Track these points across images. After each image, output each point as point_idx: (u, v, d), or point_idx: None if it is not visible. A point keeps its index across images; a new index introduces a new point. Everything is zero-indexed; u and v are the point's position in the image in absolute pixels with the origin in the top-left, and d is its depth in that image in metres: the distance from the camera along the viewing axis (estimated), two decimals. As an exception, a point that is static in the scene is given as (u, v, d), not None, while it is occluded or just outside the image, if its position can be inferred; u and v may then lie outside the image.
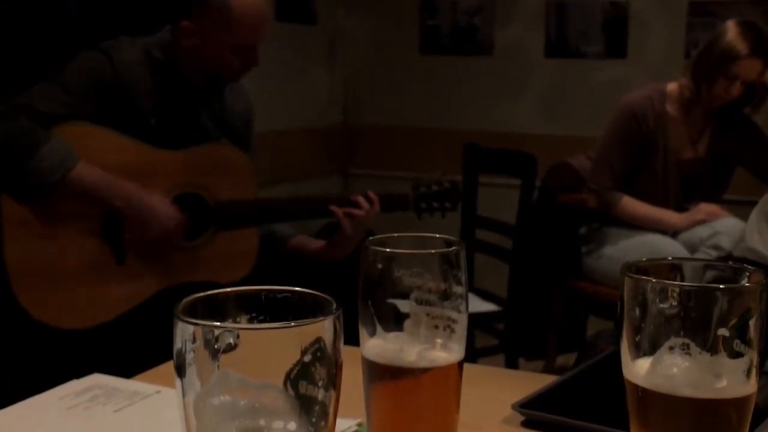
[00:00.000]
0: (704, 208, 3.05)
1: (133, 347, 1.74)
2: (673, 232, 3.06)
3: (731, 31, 2.96)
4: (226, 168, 2.28)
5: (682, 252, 2.93)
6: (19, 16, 2.86)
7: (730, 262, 0.70)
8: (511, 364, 3.24)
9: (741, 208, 2.98)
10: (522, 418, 0.92)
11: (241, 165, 2.31)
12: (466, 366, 0.76)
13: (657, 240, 3.01)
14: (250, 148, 2.40)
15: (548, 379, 1.03)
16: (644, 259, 0.69)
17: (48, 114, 2.08)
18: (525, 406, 0.93)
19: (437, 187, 2.44)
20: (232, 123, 2.35)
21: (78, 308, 2.13)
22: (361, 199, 2.32)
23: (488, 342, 3.38)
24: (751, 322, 0.62)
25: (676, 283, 0.65)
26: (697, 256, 2.90)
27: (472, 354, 3.29)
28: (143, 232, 2.13)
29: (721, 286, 0.63)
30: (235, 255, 2.29)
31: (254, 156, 2.40)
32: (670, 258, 0.71)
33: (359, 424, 0.84)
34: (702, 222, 3.02)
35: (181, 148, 2.22)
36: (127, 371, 1.02)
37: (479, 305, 3.25)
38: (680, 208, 3.11)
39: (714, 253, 2.84)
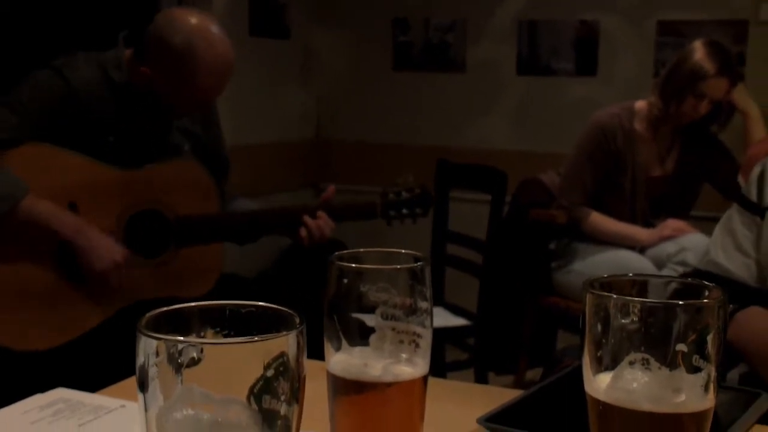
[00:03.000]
0: (671, 225, 3.09)
1: (97, 363, 1.72)
2: (641, 248, 3.09)
3: (699, 50, 3.00)
4: (186, 184, 2.26)
5: (650, 267, 2.96)
6: (43, 12, 2.81)
7: (690, 279, 0.71)
8: (481, 378, 3.25)
9: (707, 224, 3.00)
10: (487, 432, 0.93)
11: (201, 180, 2.28)
12: (433, 380, 0.77)
13: (625, 256, 3.04)
14: (220, 144, 2.37)
15: (514, 394, 1.03)
16: (606, 276, 0.69)
17: None
18: (490, 420, 0.93)
19: (408, 193, 2.39)
20: (191, 129, 2.33)
21: (39, 330, 2.10)
22: (310, 222, 2.28)
23: (458, 356, 3.39)
24: (709, 338, 0.64)
25: (636, 299, 0.66)
26: (664, 271, 2.93)
27: (442, 368, 3.29)
28: (90, 266, 2.10)
29: (680, 303, 0.64)
30: (198, 271, 2.27)
31: (225, 151, 2.38)
32: (631, 274, 0.72)
33: (325, 439, 0.84)
34: (669, 238, 3.05)
35: (141, 164, 2.20)
36: (91, 387, 1.01)
37: (450, 320, 3.25)
38: (648, 224, 3.14)
39: (681, 269, 2.87)
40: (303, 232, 2.27)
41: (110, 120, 2.16)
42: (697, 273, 1.50)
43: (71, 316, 2.13)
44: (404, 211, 2.39)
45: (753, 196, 1.45)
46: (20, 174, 2.04)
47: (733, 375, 1.39)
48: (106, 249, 2.10)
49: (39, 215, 2.04)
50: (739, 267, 1.42)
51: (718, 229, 1.50)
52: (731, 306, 1.37)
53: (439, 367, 3.26)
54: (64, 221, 2.07)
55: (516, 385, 3.25)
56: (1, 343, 2.04)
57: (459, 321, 3.25)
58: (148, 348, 0.51)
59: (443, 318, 3.24)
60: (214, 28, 2.15)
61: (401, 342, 0.72)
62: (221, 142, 2.43)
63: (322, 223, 2.28)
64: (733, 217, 1.47)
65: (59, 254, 2.11)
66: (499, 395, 1.03)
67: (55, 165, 2.12)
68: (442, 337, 3.20)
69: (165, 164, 2.24)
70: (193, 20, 2.14)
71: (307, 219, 2.27)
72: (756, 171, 1.46)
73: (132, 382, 0.53)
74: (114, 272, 2.11)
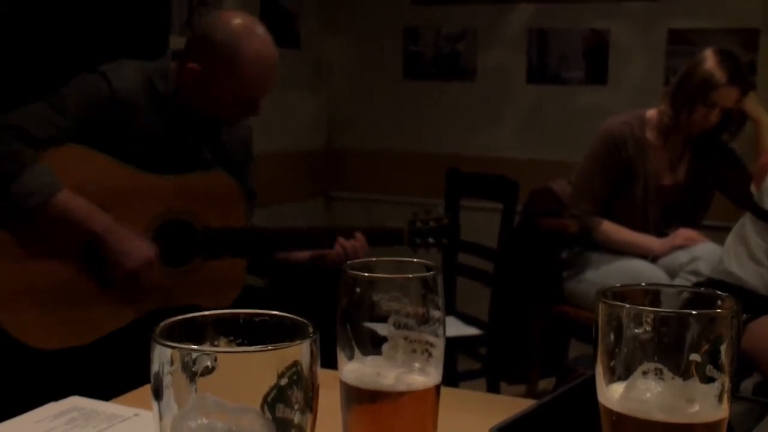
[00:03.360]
0: (683, 234, 3.07)
1: (113, 370, 1.73)
2: (653, 258, 3.08)
3: (710, 59, 3.00)
4: (216, 196, 2.28)
5: (662, 277, 2.95)
6: (18, 31, 2.84)
7: (703, 288, 0.71)
8: (493, 388, 3.24)
9: (719, 233, 2.99)
10: (500, 442, 0.92)
11: (231, 193, 2.30)
12: (446, 390, 0.77)
13: (637, 265, 3.03)
14: (246, 180, 2.40)
15: (527, 404, 1.03)
16: (618, 285, 0.69)
17: (39, 138, 2.06)
18: (503, 429, 0.93)
19: (435, 223, 2.41)
20: (230, 155, 2.35)
21: (59, 329, 2.11)
22: (346, 244, 2.30)
23: (471, 366, 3.38)
24: (723, 348, 0.63)
25: (649, 308, 0.66)
26: (676, 281, 2.92)
27: (454, 378, 3.29)
28: (120, 265, 2.11)
29: (693, 312, 0.64)
30: (221, 282, 2.28)
31: (251, 181, 2.41)
32: (644, 284, 0.71)
33: (337, 448, 0.84)
34: (681, 247, 3.04)
35: (175, 173, 2.22)
36: (106, 393, 1.01)
37: (461, 329, 3.25)
38: (660, 234, 3.13)
39: (693, 279, 2.86)
40: (339, 249, 2.28)
41: (149, 130, 2.18)
42: (711, 282, 1.50)
43: (92, 318, 2.14)
44: (430, 240, 2.41)
45: (765, 204, 1.44)
46: (55, 173, 2.07)
47: (747, 385, 1.39)
48: (137, 247, 2.11)
49: (71, 211, 2.06)
50: (753, 276, 1.42)
51: (731, 238, 1.49)
52: (744, 315, 1.36)
53: (451, 377, 3.26)
54: (97, 219, 2.09)
55: (528, 394, 3.24)
56: (22, 340, 2.06)
57: (471, 330, 3.24)
58: (162, 356, 0.51)
59: (455, 327, 3.23)
60: (259, 28, 2.22)
61: (414, 351, 0.72)
62: (249, 172, 2.45)
63: (358, 245, 2.30)
64: (746, 225, 1.47)
65: (86, 254, 2.12)
66: (511, 405, 1.03)
67: (91, 167, 2.14)
68: (454, 346, 3.19)
69: (197, 175, 2.26)
70: (238, 19, 2.20)
71: (342, 240, 2.29)
72: (768, 180, 1.46)
73: (146, 390, 0.53)
74: (145, 270, 2.12)
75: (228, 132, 2.35)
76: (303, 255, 2.43)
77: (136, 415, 0.94)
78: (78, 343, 2.12)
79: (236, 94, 2.19)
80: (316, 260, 2.39)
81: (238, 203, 2.31)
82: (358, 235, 2.32)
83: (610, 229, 3.09)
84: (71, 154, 2.11)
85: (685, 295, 0.71)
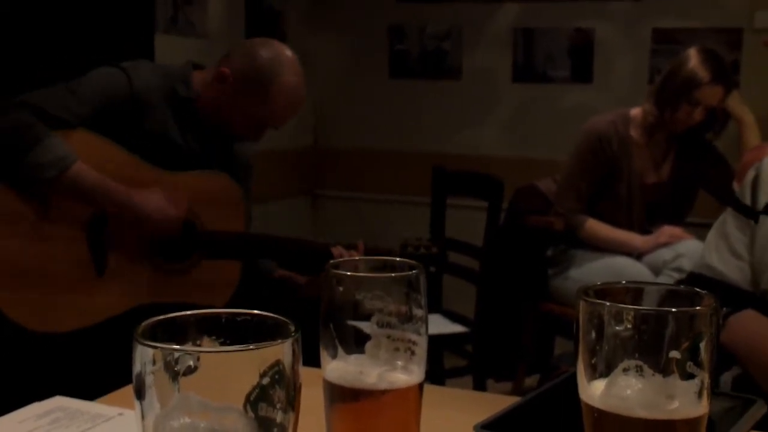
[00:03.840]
0: (667, 231, 3.09)
1: (99, 364, 1.73)
2: (637, 255, 3.09)
3: (693, 58, 3.01)
4: (219, 198, 2.31)
5: (646, 274, 2.96)
6: (43, 18, 2.85)
7: (683, 286, 0.72)
8: (480, 385, 3.25)
9: (703, 230, 3.00)
10: (483, 439, 0.93)
11: (233, 197, 2.33)
12: (431, 387, 0.77)
13: (621, 262, 3.04)
14: (249, 190, 2.43)
15: (512, 401, 1.04)
16: (600, 283, 0.70)
17: (54, 117, 2.07)
18: (487, 427, 0.93)
19: (425, 250, 2.45)
20: (236, 168, 2.38)
21: (53, 312, 2.12)
22: (344, 253, 2.31)
23: (457, 363, 3.39)
24: (702, 345, 0.64)
25: (630, 306, 0.66)
26: (661, 278, 2.93)
27: (441, 375, 3.29)
28: (142, 229, 2.13)
29: (673, 310, 0.65)
30: (215, 283, 2.29)
31: (249, 198, 2.43)
32: (625, 282, 0.72)
33: (322, 446, 0.84)
34: (665, 244, 3.05)
35: (183, 171, 2.24)
36: (89, 394, 1.01)
37: (448, 326, 3.25)
38: (644, 231, 3.15)
39: (677, 275, 2.87)
40: (335, 251, 2.30)
41: (162, 129, 2.20)
42: (692, 276, 1.50)
43: (88, 305, 2.15)
44: None
45: (747, 199, 1.45)
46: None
47: (727, 378, 1.40)
48: (163, 200, 2.14)
49: (85, 183, 2.08)
50: (733, 270, 1.43)
51: (712, 233, 1.50)
52: (725, 309, 1.37)
53: (437, 374, 3.26)
54: (114, 187, 2.11)
55: (514, 391, 3.25)
56: (16, 321, 2.05)
57: (457, 328, 3.25)
58: (144, 356, 0.51)
59: (441, 325, 3.24)
60: (299, 66, 2.30)
61: (397, 350, 0.73)
62: (250, 192, 2.47)
63: (357, 256, 2.30)
64: (728, 220, 1.48)
65: (88, 240, 2.13)
66: (496, 402, 1.03)
67: (100, 154, 2.14)
68: (440, 344, 3.20)
69: (202, 173, 2.28)
70: (287, 51, 2.29)
71: (342, 250, 2.31)
72: (750, 175, 1.47)
73: (130, 390, 0.53)
74: (173, 221, 2.16)
75: (239, 146, 2.39)
76: (300, 280, 2.48)
77: (120, 414, 0.94)
78: (69, 328, 2.12)
79: (253, 117, 2.25)
80: (312, 286, 2.42)
81: (239, 207, 2.34)
82: (360, 244, 2.34)
83: (595, 226, 3.11)
84: (82, 139, 2.12)
85: (666, 292, 0.71)
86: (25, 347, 2.10)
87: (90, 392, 1.02)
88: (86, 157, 2.11)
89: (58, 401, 0.98)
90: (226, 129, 2.29)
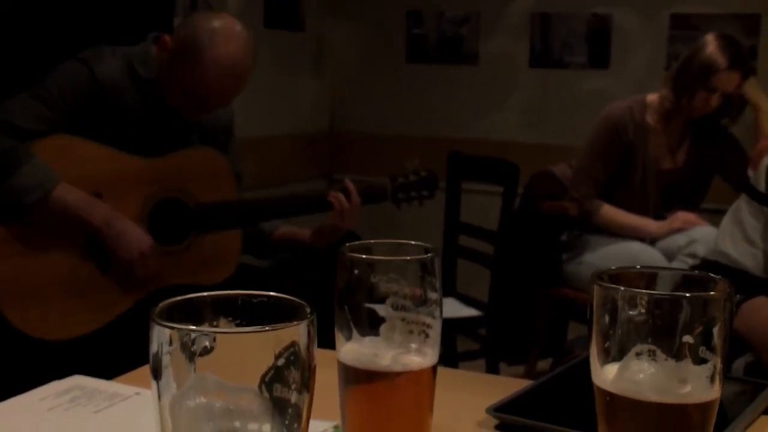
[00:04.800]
0: (681, 217, 3.07)
1: (113, 352, 1.74)
2: (652, 240, 3.08)
3: (711, 44, 2.99)
4: (205, 172, 2.27)
5: (660, 259, 2.95)
6: (19, 17, 2.83)
7: (697, 272, 0.71)
8: (492, 368, 3.25)
9: (718, 216, 2.99)
10: (496, 421, 0.93)
11: (219, 167, 2.30)
12: (444, 370, 0.77)
13: (635, 247, 3.03)
14: (232, 159, 2.39)
15: (525, 384, 1.04)
16: (614, 268, 0.69)
17: (27, 130, 2.04)
18: (499, 409, 0.93)
19: (414, 176, 2.44)
20: (213, 133, 2.34)
21: (66, 319, 2.11)
22: (341, 196, 2.32)
23: (470, 346, 3.39)
24: (715, 330, 0.63)
25: (643, 291, 0.66)
26: (674, 263, 2.92)
27: (454, 358, 3.30)
28: (117, 255, 2.12)
29: (687, 295, 0.64)
30: (217, 257, 2.29)
31: (235, 164, 2.40)
32: (639, 267, 0.72)
33: (335, 427, 0.85)
34: (679, 230, 3.04)
35: (162, 154, 2.21)
36: (107, 374, 1.02)
37: (461, 310, 3.26)
38: (659, 217, 3.13)
39: (690, 261, 2.86)
40: (336, 204, 2.30)
41: (133, 113, 2.17)
42: (705, 263, 1.50)
43: (98, 305, 2.14)
44: (412, 193, 2.45)
45: (761, 186, 1.44)
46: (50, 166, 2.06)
47: (739, 364, 1.39)
48: (134, 238, 2.11)
49: (69, 205, 2.06)
50: (747, 257, 1.42)
51: (726, 220, 1.49)
52: (738, 296, 1.36)
53: (451, 357, 3.27)
54: (94, 211, 2.09)
55: (527, 375, 3.25)
56: (25, 332, 2.06)
57: (471, 311, 3.25)
58: (161, 337, 0.51)
59: (455, 308, 3.24)
60: (236, 37, 2.14)
61: (411, 332, 0.73)
62: (236, 157, 2.43)
63: (353, 199, 2.31)
64: (742, 207, 1.46)
65: (88, 243, 2.12)
66: (508, 385, 1.03)
67: (80, 156, 2.13)
68: (454, 327, 3.20)
69: (185, 153, 2.25)
70: (220, 21, 2.15)
71: (339, 196, 2.31)
72: (765, 162, 1.46)
73: (147, 370, 0.53)
74: (139, 262, 2.12)
75: (214, 116, 2.32)
76: (303, 234, 2.43)
77: (137, 393, 0.95)
78: (82, 332, 2.12)
79: (189, 88, 2.14)
80: (317, 236, 2.39)
81: (228, 177, 2.31)
82: (351, 186, 2.32)
83: (610, 212, 3.09)
84: (59, 145, 2.09)
85: (680, 277, 0.71)
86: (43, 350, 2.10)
87: (106, 373, 1.03)
88: (69, 162, 2.09)
89: (77, 380, 0.99)
90: (169, 102, 2.20)
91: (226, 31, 2.12)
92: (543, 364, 3.39)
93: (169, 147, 2.23)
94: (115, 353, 1.57)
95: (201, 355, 0.50)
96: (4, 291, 2.05)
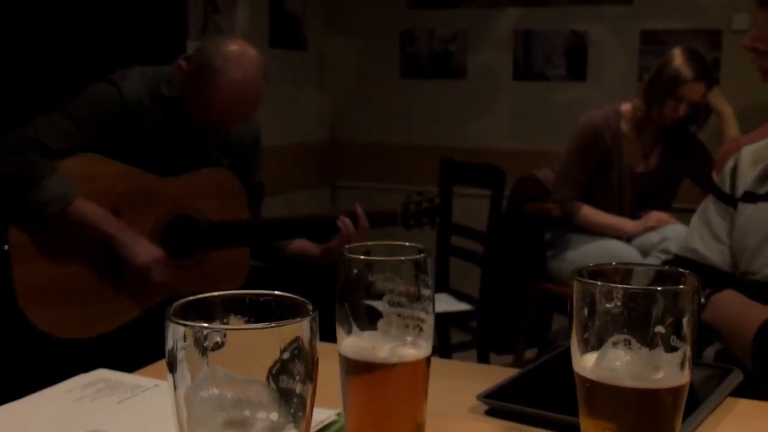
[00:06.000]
0: (655, 216, 3.08)
1: (134, 348, 1.73)
2: (628, 238, 3.08)
3: (678, 58, 2.99)
4: (218, 192, 2.24)
5: (636, 256, 2.95)
6: (29, 43, 2.81)
7: (668, 267, 0.71)
8: (483, 358, 3.25)
9: (688, 215, 2.98)
10: (486, 407, 0.93)
11: (232, 188, 2.27)
12: (438, 361, 0.77)
13: (613, 245, 3.04)
14: (257, 170, 2.36)
15: (513, 372, 1.04)
16: (592, 264, 0.70)
17: (55, 150, 2.04)
18: (489, 396, 0.93)
19: (428, 204, 2.40)
20: (238, 151, 2.31)
21: (84, 320, 2.10)
22: (348, 222, 2.27)
23: (463, 338, 3.39)
24: (685, 320, 0.64)
25: (619, 285, 0.66)
26: (649, 259, 2.92)
27: (448, 349, 3.29)
28: (132, 260, 2.10)
29: (659, 289, 0.65)
30: (226, 271, 2.25)
31: (260, 174, 2.37)
32: (615, 263, 0.72)
33: (338, 414, 0.85)
34: (653, 228, 3.04)
35: (182, 170, 2.19)
36: (128, 368, 1.02)
37: (454, 305, 3.25)
38: (634, 216, 3.13)
39: (663, 257, 2.86)
40: (343, 228, 2.25)
41: (156, 130, 2.14)
42: (677, 259, 1.49)
43: (112, 309, 2.13)
44: (423, 219, 2.40)
45: (726, 188, 1.44)
46: (70, 182, 2.05)
47: (709, 352, 1.39)
48: (144, 250, 2.10)
49: (85, 218, 2.05)
50: (715, 253, 1.42)
51: (695, 219, 1.49)
52: (707, 289, 1.36)
53: (444, 349, 3.26)
54: (109, 223, 2.08)
55: (515, 364, 3.25)
56: (48, 332, 2.05)
57: (463, 306, 3.25)
58: (176, 334, 0.52)
59: (448, 303, 3.24)
60: (250, 62, 2.11)
61: (406, 326, 0.73)
62: (258, 167, 2.40)
63: (362, 225, 2.26)
64: (709, 207, 1.46)
65: (104, 252, 2.11)
66: (498, 373, 1.03)
67: (100, 173, 2.11)
68: (447, 321, 3.20)
69: (199, 173, 2.22)
70: (235, 46, 2.12)
71: (345, 219, 2.26)
72: (729, 165, 1.46)
73: (163, 363, 0.53)
74: (151, 270, 2.11)
75: (239, 133, 2.29)
76: (314, 251, 2.40)
77: (156, 385, 0.95)
78: (99, 332, 2.11)
79: (204, 109, 2.12)
80: (326, 255, 2.36)
81: (239, 197, 2.27)
82: (360, 211, 2.28)
83: (589, 213, 3.10)
84: (81, 163, 2.08)
85: (653, 273, 0.71)
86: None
87: (128, 367, 1.02)
88: (92, 179, 2.08)
89: (101, 373, 0.99)
90: (189, 121, 2.16)
91: (238, 56, 2.10)
92: (530, 354, 3.38)
93: (189, 163, 2.21)
94: (132, 350, 1.57)
95: (213, 350, 0.51)
96: (27, 294, 2.04)
